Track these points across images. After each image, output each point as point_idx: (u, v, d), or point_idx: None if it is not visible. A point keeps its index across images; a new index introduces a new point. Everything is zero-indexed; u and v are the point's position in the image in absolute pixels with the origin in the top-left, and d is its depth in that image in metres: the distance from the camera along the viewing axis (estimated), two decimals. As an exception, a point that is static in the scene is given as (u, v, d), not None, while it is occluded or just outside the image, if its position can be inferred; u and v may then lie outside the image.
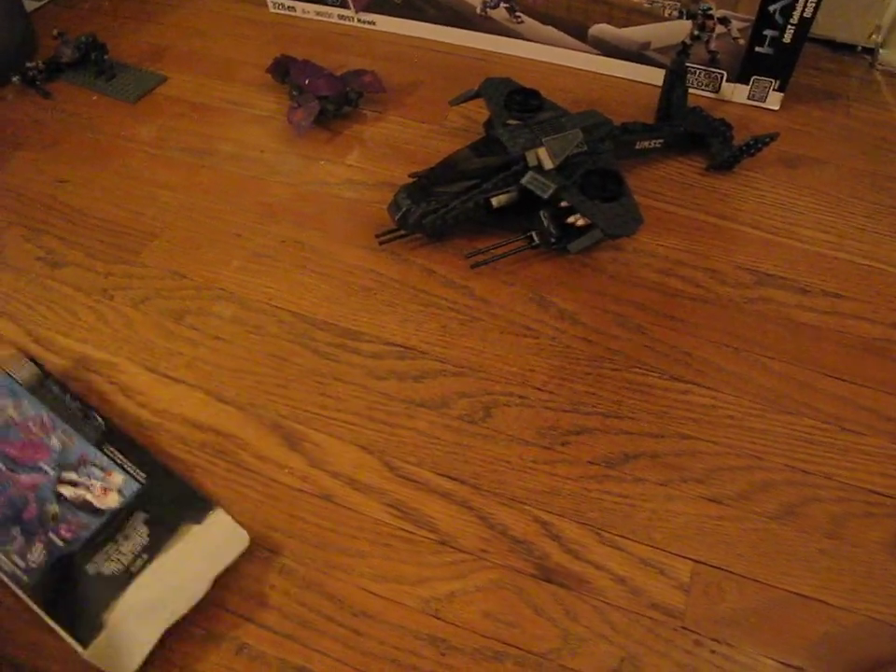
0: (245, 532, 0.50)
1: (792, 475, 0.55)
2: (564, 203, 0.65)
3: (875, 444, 0.56)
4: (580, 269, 0.67)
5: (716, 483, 0.54)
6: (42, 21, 0.98)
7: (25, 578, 0.47)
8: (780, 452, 0.56)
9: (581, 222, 0.65)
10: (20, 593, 0.47)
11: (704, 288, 0.66)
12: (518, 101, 0.72)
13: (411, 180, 0.68)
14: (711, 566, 0.50)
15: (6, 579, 0.48)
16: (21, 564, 0.48)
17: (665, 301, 0.65)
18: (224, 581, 0.49)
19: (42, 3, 1.03)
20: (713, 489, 0.54)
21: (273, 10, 1.00)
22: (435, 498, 0.54)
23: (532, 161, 0.66)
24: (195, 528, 0.50)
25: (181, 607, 0.47)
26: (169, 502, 0.51)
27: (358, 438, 0.57)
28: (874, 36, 0.89)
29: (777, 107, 0.82)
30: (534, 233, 0.67)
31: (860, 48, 0.90)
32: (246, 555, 0.50)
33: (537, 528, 0.52)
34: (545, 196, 0.64)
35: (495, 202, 0.66)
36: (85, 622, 0.46)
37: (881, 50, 0.89)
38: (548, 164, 0.65)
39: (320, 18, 0.98)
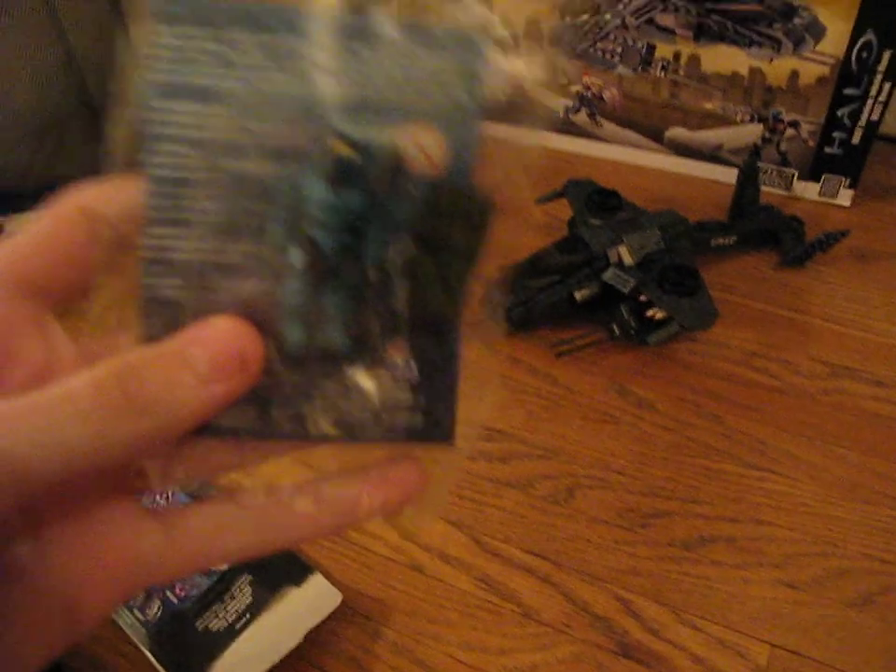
0: (338, 592, 0.54)
1: (870, 564, 0.56)
2: (643, 298, 0.69)
3: (953, 536, 0.57)
4: (657, 360, 0.71)
5: (792, 569, 0.56)
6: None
7: (143, 630, 0.53)
8: (857, 540, 0.57)
9: (659, 315, 0.69)
10: (138, 643, 0.53)
11: (778, 379, 0.69)
12: (598, 201, 0.78)
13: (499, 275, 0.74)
14: (788, 650, 0.52)
15: (127, 630, 0.54)
16: (141, 618, 0.54)
17: (740, 391, 0.68)
18: (321, 643, 0.53)
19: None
20: (789, 574, 0.56)
21: None
22: (520, 573, 0.57)
23: (613, 258, 0.71)
24: (294, 590, 0.55)
25: (274, 658, 0.51)
26: (272, 566, 0.56)
27: (449, 514, 0.61)
28: (944, 135, 0.92)
29: (848, 203, 0.86)
30: (614, 326, 0.71)
31: (930, 145, 0.93)
32: (342, 619, 0.54)
33: (617, 606, 0.55)
34: (626, 291, 0.69)
35: (578, 296, 0.71)
36: (191, 672, 0.51)
37: (951, 148, 0.91)
38: (628, 261, 0.70)
39: None
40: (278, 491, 0.24)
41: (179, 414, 0.20)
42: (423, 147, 0.21)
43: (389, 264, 0.22)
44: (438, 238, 0.22)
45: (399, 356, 0.23)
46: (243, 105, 0.20)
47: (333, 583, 0.56)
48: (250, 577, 0.56)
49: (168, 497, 0.24)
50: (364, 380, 0.23)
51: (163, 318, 0.21)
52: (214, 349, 0.20)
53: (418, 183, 0.21)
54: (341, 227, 0.21)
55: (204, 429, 0.21)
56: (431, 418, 0.23)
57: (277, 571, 0.56)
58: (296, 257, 0.21)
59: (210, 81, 0.20)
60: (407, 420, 0.23)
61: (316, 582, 0.56)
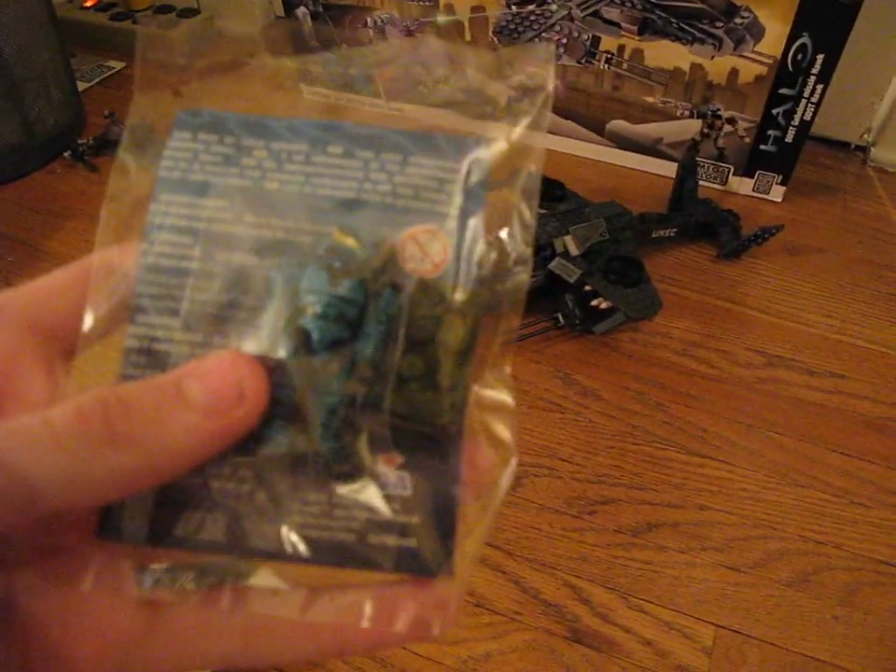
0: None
1: (805, 545, 0.58)
2: (588, 288, 0.70)
3: (881, 517, 0.60)
4: (601, 349, 0.73)
5: (734, 552, 0.58)
6: (90, 101, 1.05)
7: None
8: (793, 522, 0.60)
9: (604, 305, 0.70)
10: None
11: (717, 368, 0.71)
12: (543, 191, 0.78)
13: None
14: (732, 630, 0.54)
15: None
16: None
17: (682, 379, 0.70)
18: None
19: (91, 84, 1.10)
20: (731, 557, 0.58)
21: (308, 97, 1.08)
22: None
23: (559, 248, 0.71)
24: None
25: None
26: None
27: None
28: (865, 136, 0.96)
29: (779, 199, 0.89)
30: (560, 315, 0.72)
31: (853, 146, 0.98)
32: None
33: (568, 592, 0.56)
34: (571, 280, 0.69)
35: (524, 285, 0.72)
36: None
37: (872, 149, 0.96)
38: (574, 251, 0.71)
39: (351, 105, 1.05)
40: (274, 596, 0.21)
41: (168, 450, 0.18)
42: (424, 247, 0.21)
43: (382, 363, 0.20)
44: (431, 338, 0.20)
45: (390, 469, 0.20)
46: (243, 200, 0.21)
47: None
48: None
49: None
50: (349, 494, 0.20)
51: None
52: (210, 382, 0.18)
53: (416, 281, 0.21)
54: (336, 318, 0.20)
55: (165, 541, 0.20)
56: (425, 544, 0.20)
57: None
58: (284, 350, 0.20)
59: (215, 178, 0.21)
60: (396, 544, 0.20)
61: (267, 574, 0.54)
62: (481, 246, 0.21)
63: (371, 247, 0.21)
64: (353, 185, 0.21)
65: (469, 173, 0.22)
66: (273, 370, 0.20)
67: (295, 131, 0.22)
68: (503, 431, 0.21)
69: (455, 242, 0.21)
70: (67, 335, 0.21)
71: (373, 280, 0.20)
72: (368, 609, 0.20)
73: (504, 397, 0.22)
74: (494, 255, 0.21)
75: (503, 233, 0.22)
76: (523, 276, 0.22)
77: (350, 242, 0.21)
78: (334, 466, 0.20)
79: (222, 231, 0.21)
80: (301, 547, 0.20)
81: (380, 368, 0.20)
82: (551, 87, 0.23)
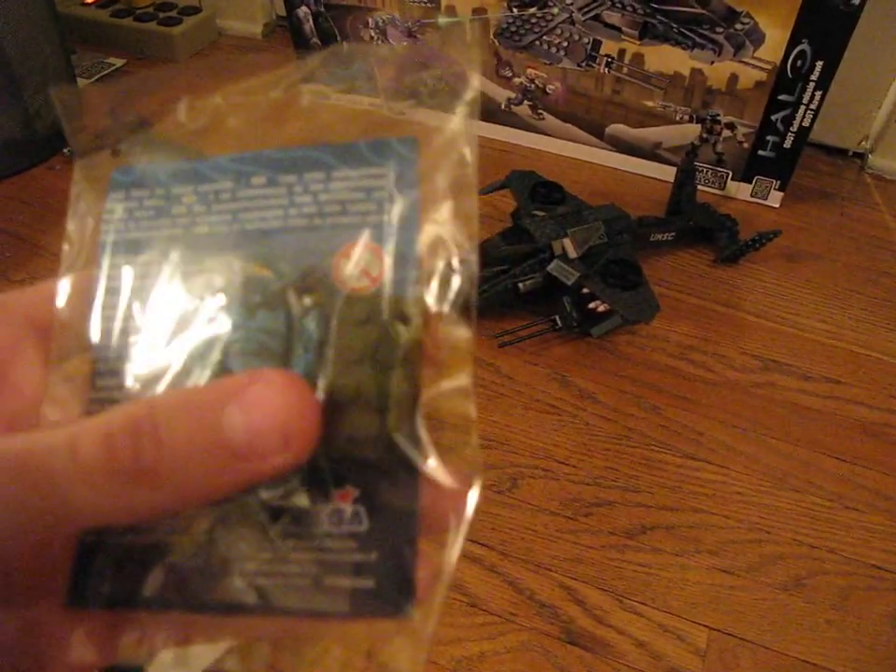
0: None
1: (799, 549, 0.59)
2: (586, 290, 0.70)
3: (875, 521, 0.60)
4: (598, 351, 0.73)
5: (728, 555, 0.58)
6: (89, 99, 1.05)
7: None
8: (787, 527, 0.60)
9: (601, 308, 0.70)
10: None
11: (713, 372, 0.71)
12: (542, 193, 0.79)
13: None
14: (725, 633, 0.54)
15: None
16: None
17: (678, 383, 0.70)
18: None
19: (91, 80, 1.10)
20: (725, 560, 0.58)
21: (307, 97, 1.08)
22: (466, 563, 0.57)
23: (558, 251, 0.71)
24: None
25: (208, 659, 0.50)
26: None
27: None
28: (863, 143, 0.96)
29: (777, 205, 0.89)
30: (557, 317, 0.72)
31: (851, 152, 0.98)
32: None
33: (562, 594, 0.56)
34: (569, 283, 0.69)
35: (522, 286, 0.72)
36: None
37: (870, 156, 0.96)
38: (572, 254, 0.71)
39: (352, 105, 1.06)
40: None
41: (196, 490, 0.16)
42: (359, 263, 0.20)
43: (320, 393, 0.18)
44: (365, 357, 0.19)
45: (346, 504, 0.18)
46: (176, 250, 0.21)
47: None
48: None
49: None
50: (301, 538, 0.18)
51: None
52: (256, 416, 0.16)
53: (343, 298, 0.19)
54: (257, 352, 0.19)
55: (127, 604, 0.19)
56: (384, 580, 0.18)
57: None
58: None
59: (149, 233, 0.21)
60: (352, 585, 0.18)
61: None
62: (418, 250, 0.20)
63: (290, 273, 0.20)
64: (278, 213, 0.21)
65: (396, 175, 0.21)
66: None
67: (220, 169, 0.22)
68: (464, 448, 0.19)
69: (391, 250, 0.20)
70: (68, 340, 0.21)
71: (297, 306, 0.19)
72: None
73: (464, 408, 0.19)
74: (434, 256, 0.20)
75: (442, 232, 0.20)
76: (469, 273, 0.20)
77: (263, 272, 0.20)
78: (284, 508, 0.19)
79: (163, 285, 0.21)
80: (252, 597, 0.18)
81: (321, 401, 0.19)
82: (477, 69, 0.21)
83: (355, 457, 0.18)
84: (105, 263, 0.22)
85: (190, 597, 0.19)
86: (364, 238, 0.20)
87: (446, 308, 0.20)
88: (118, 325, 0.21)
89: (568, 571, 0.57)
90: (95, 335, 0.21)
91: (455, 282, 0.20)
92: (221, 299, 0.20)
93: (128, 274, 0.21)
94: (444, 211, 0.21)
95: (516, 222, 0.78)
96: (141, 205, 0.22)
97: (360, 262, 0.20)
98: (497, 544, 0.58)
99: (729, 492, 0.62)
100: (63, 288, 0.21)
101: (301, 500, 0.18)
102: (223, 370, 0.19)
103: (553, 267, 0.71)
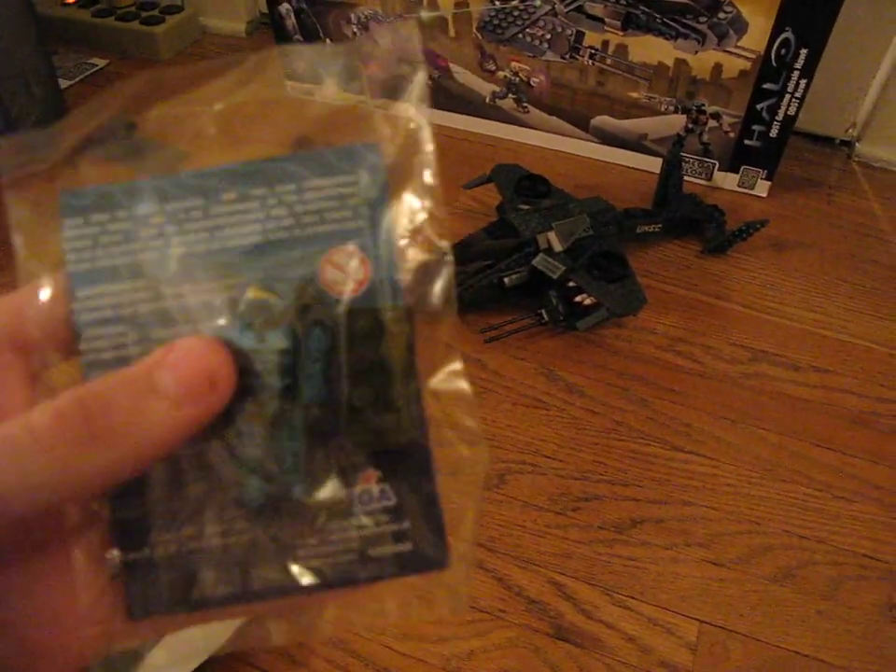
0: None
1: (789, 540, 0.58)
2: (572, 284, 0.70)
3: (864, 511, 0.60)
4: (585, 345, 0.72)
5: (717, 547, 0.58)
6: (73, 98, 1.04)
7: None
8: (777, 518, 0.60)
9: (587, 301, 0.70)
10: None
11: (701, 364, 0.71)
12: (527, 186, 0.78)
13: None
14: (716, 625, 0.54)
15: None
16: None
17: (666, 375, 0.70)
18: (253, 637, 0.52)
19: (73, 81, 1.10)
20: (715, 552, 0.57)
21: (290, 93, 1.07)
22: (454, 560, 0.57)
23: (543, 244, 0.71)
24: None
25: (204, 654, 0.49)
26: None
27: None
28: (850, 131, 0.96)
29: (764, 194, 0.89)
30: (543, 311, 0.72)
31: (838, 141, 0.98)
32: (276, 614, 0.53)
33: (551, 589, 0.55)
34: (555, 277, 0.69)
35: (507, 281, 0.71)
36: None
37: (857, 144, 0.96)
38: (557, 247, 0.71)
39: (336, 101, 1.05)
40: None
41: (148, 442, 0.18)
42: (344, 268, 0.21)
43: (330, 398, 0.21)
44: (374, 362, 0.21)
45: (371, 485, 0.21)
46: (155, 275, 0.21)
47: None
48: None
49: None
50: (340, 520, 0.21)
51: None
52: (181, 371, 0.19)
53: (345, 311, 0.21)
54: (271, 371, 0.21)
55: (189, 606, 0.21)
56: (420, 541, 0.22)
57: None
58: (240, 414, 0.21)
59: (122, 259, 0.21)
60: (395, 550, 0.21)
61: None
62: (397, 251, 0.21)
63: (288, 291, 0.21)
64: (257, 227, 0.21)
65: (366, 182, 0.21)
66: (236, 353, 0.20)
67: (183, 186, 0.21)
68: (468, 421, 0.22)
69: (372, 254, 0.21)
70: (49, 348, 0.21)
71: (300, 322, 0.21)
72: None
73: (460, 387, 0.22)
74: (412, 257, 0.21)
75: (415, 231, 0.22)
76: (447, 270, 0.22)
77: (265, 295, 0.21)
78: (319, 498, 0.21)
79: (148, 311, 0.21)
80: (310, 578, 0.21)
81: (329, 403, 0.21)
82: (421, 60, 0.22)
83: (376, 445, 0.21)
84: (82, 294, 0.21)
85: (249, 589, 0.21)
86: (345, 244, 0.21)
87: (432, 303, 0.22)
88: (109, 355, 0.21)
89: (557, 567, 0.57)
90: (89, 365, 0.21)
91: (437, 276, 0.22)
92: (228, 318, 0.21)
93: (113, 303, 0.21)
94: (415, 208, 0.22)
95: (501, 216, 0.77)
96: (104, 230, 0.21)
97: (345, 268, 0.21)
98: (485, 541, 0.58)
99: (718, 484, 0.62)
100: (35, 301, 0.21)
101: (332, 489, 0.21)
102: (249, 391, 0.21)
103: (538, 261, 0.70)
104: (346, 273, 0.21)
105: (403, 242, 0.21)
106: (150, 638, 0.22)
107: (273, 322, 0.21)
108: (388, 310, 0.21)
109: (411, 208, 0.22)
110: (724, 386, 0.69)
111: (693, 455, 0.64)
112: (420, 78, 0.22)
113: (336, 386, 0.21)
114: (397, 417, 0.21)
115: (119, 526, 0.21)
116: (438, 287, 0.22)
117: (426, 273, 0.22)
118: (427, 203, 0.22)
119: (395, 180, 0.22)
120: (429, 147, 0.22)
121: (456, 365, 0.22)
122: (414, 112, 0.22)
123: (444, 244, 0.22)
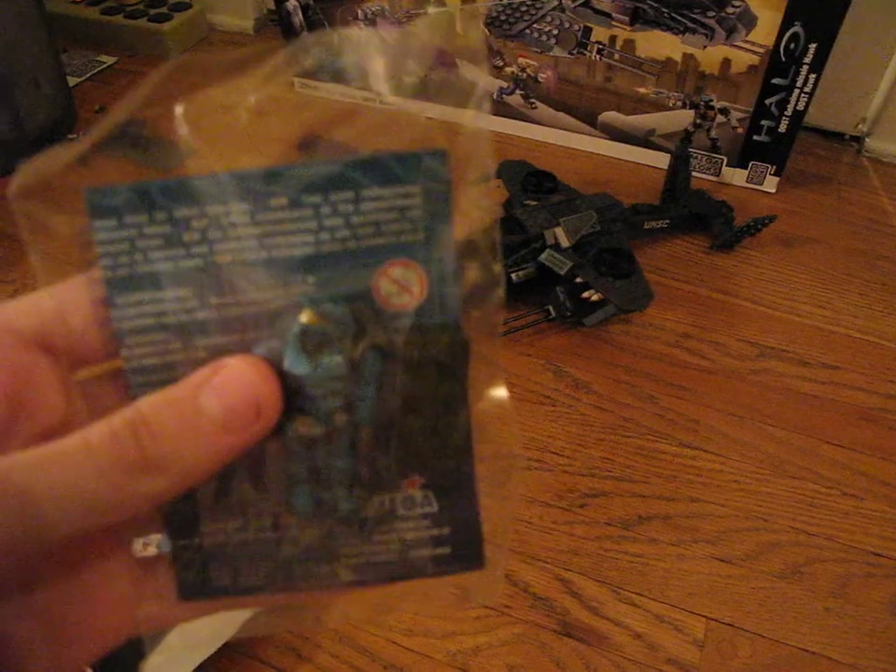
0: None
1: (797, 536, 0.58)
2: (579, 280, 0.70)
3: (873, 508, 0.60)
4: (593, 341, 0.72)
5: (725, 544, 0.58)
6: (82, 95, 1.05)
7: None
8: (785, 514, 0.59)
9: (595, 297, 0.69)
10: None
11: (709, 360, 0.70)
12: (534, 183, 0.78)
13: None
14: (723, 622, 0.53)
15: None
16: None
17: (674, 371, 0.69)
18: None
19: (82, 79, 1.10)
20: (723, 549, 0.57)
21: (298, 90, 1.07)
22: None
23: (550, 240, 0.71)
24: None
25: (210, 648, 0.50)
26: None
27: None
28: (860, 126, 0.95)
29: (773, 190, 0.88)
30: (550, 307, 0.72)
31: (847, 136, 0.97)
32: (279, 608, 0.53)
33: (558, 586, 0.55)
34: (562, 273, 0.69)
35: (514, 277, 0.71)
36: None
37: (867, 139, 0.95)
38: (565, 243, 0.71)
39: (344, 98, 1.05)
40: None
41: (194, 468, 0.19)
42: (399, 281, 0.20)
43: (382, 423, 0.21)
44: (422, 389, 0.21)
45: (415, 491, 0.22)
46: (201, 284, 0.20)
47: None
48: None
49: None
50: (383, 526, 0.22)
51: None
52: (228, 398, 0.19)
53: (401, 327, 0.20)
54: (324, 396, 0.20)
55: (226, 590, 0.21)
56: (458, 546, 0.22)
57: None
58: (291, 430, 0.20)
59: (164, 265, 0.20)
60: (433, 553, 0.22)
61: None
62: (456, 269, 0.20)
63: (342, 313, 0.20)
64: (308, 238, 0.20)
65: (431, 193, 0.20)
66: (286, 375, 0.20)
67: (224, 187, 0.20)
68: (508, 437, 0.23)
69: (430, 270, 0.20)
70: (78, 349, 0.21)
71: (354, 346, 0.20)
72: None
73: (504, 408, 0.22)
74: (467, 277, 0.21)
75: (470, 249, 0.21)
76: (497, 293, 0.21)
77: (319, 320, 0.20)
78: (365, 508, 0.22)
79: (193, 320, 0.20)
80: (349, 575, 0.22)
81: (380, 427, 0.21)
82: (484, 63, 0.21)
83: (419, 470, 0.22)
84: (121, 301, 0.20)
85: (291, 582, 0.22)
86: (402, 257, 0.20)
87: (483, 324, 0.21)
88: (153, 360, 0.20)
89: (564, 563, 0.56)
90: (133, 371, 0.20)
91: (489, 298, 0.21)
92: (278, 333, 0.20)
93: (156, 310, 0.20)
94: (471, 221, 0.21)
95: (508, 212, 0.77)
96: (142, 233, 0.20)
97: (401, 281, 0.20)
98: (491, 537, 0.58)
99: (726, 480, 0.62)
100: (66, 303, 0.20)
101: (378, 504, 0.22)
102: (301, 411, 0.21)
103: (545, 257, 0.70)
104: (402, 285, 0.20)
105: (460, 259, 0.20)
106: (198, 618, 0.23)
107: (328, 347, 0.20)
108: (445, 336, 0.20)
109: (469, 224, 0.21)
110: (732, 383, 0.69)
111: (701, 451, 0.64)
112: (483, 83, 0.20)
113: (388, 410, 0.21)
114: (444, 444, 0.21)
115: (170, 516, 0.21)
116: (489, 309, 0.21)
117: (479, 294, 0.21)
118: (487, 221, 0.21)
119: (456, 190, 0.20)
120: (490, 161, 0.20)
121: (501, 388, 0.22)
122: (475, 121, 0.20)
123: (498, 266, 0.21)
